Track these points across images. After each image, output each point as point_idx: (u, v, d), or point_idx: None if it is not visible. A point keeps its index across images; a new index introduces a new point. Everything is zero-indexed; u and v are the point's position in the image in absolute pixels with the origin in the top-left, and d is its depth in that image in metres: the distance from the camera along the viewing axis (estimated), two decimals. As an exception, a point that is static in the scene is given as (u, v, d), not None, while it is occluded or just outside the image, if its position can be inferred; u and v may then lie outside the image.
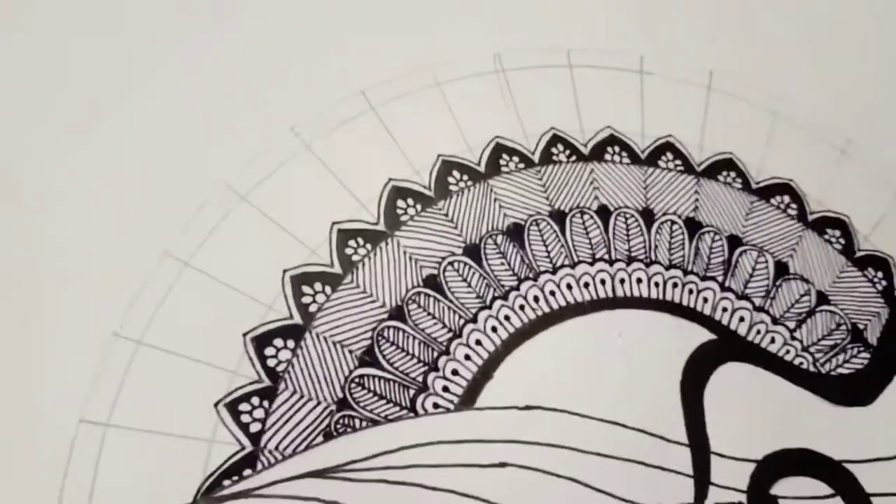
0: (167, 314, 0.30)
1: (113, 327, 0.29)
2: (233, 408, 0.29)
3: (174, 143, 0.33)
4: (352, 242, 0.32)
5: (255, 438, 0.29)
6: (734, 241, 0.36)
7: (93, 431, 0.27)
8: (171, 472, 0.27)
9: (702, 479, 0.31)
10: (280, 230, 0.32)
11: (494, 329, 0.32)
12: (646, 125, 0.37)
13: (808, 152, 0.39)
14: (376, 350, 0.31)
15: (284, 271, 0.31)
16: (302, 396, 0.30)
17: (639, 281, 0.34)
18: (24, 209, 0.31)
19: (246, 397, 0.29)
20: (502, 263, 0.33)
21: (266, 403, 0.29)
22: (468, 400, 0.31)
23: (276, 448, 0.29)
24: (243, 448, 0.28)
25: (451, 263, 0.33)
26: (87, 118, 0.32)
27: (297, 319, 0.31)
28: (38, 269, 0.30)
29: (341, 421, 0.29)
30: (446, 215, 0.34)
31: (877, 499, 0.32)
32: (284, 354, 0.30)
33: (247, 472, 0.28)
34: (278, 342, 0.30)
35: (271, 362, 0.30)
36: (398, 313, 0.32)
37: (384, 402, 0.30)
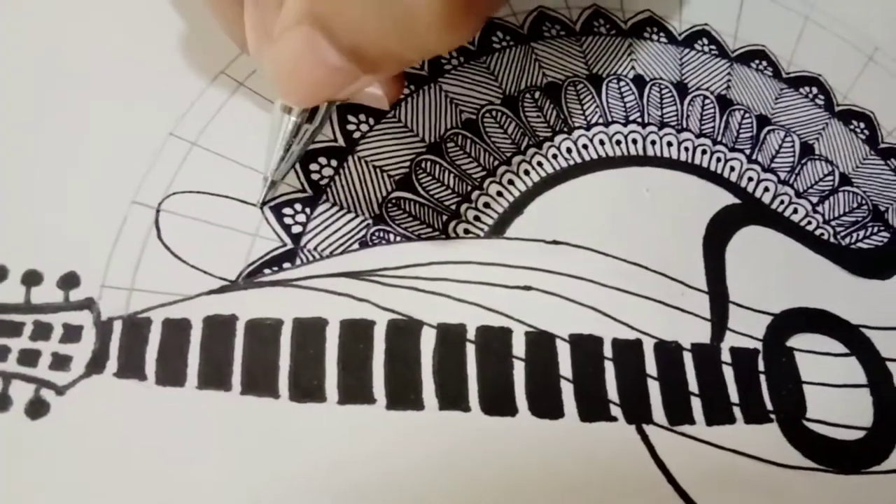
0: (218, 126, 0.31)
1: (168, 129, 0.31)
2: (277, 210, 0.30)
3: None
4: (397, 82, 0.34)
5: (295, 239, 0.30)
6: (763, 121, 0.37)
7: (143, 212, 0.29)
8: (215, 256, 0.29)
9: (719, 323, 0.32)
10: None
11: (527, 172, 0.33)
12: (683, 12, 0.39)
13: (837, 55, 0.40)
14: (413, 178, 0.32)
15: (330, 104, 0.33)
16: (342, 208, 0.31)
17: (669, 144, 0.35)
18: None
19: (290, 203, 0.31)
20: (538, 116, 0.35)
21: (308, 210, 0.31)
22: (497, 231, 0.32)
23: (315, 249, 0.30)
24: (284, 245, 0.30)
25: (489, 111, 0.34)
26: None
27: (341, 142, 0.32)
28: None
29: (377, 233, 0.31)
30: (488, 68, 0.35)
31: (892, 364, 0.33)
32: (327, 171, 0.32)
33: (286, 265, 0.30)
34: (322, 160, 0.32)
35: (315, 176, 0.31)
36: (436, 149, 0.33)
37: (418, 222, 0.31)
